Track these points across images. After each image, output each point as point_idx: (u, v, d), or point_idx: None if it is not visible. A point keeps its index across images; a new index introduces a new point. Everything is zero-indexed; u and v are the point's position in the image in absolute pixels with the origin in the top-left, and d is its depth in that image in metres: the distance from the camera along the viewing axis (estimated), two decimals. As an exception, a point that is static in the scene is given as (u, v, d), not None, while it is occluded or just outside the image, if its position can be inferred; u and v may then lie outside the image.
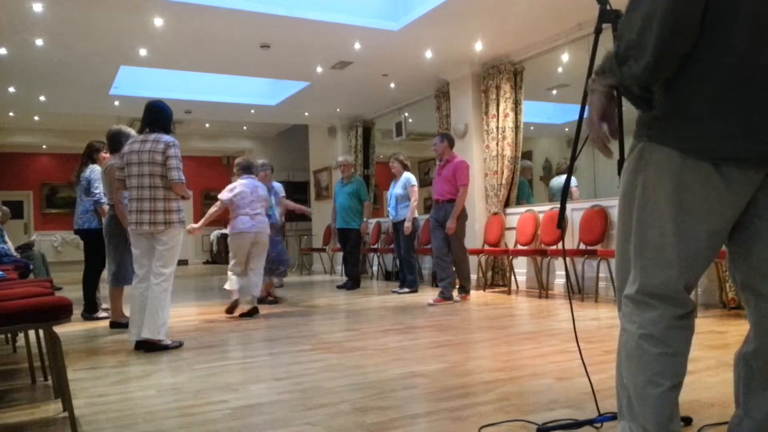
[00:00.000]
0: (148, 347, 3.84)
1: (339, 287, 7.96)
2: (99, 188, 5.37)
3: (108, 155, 5.19)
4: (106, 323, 5.06)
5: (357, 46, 6.88)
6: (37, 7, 5.53)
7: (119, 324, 4.82)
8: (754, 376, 1.54)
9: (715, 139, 1.42)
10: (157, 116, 4.09)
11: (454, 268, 6.15)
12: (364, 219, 7.87)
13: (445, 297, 5.99)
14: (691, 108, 1.44)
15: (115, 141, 4.95)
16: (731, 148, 1.41)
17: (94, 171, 5.47)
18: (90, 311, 5.51)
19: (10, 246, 7.47)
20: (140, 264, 4.02)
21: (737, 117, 1.40)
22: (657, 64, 1.40)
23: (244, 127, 13.79)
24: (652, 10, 1.37)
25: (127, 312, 4.64)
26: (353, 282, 7.89)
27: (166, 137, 4.00)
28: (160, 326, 3.86)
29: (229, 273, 5.53)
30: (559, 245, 6.27)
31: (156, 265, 3.92)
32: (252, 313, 5.40)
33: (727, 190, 1.43)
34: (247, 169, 5.74)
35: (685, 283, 1.50)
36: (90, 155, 5.61)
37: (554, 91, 9.41)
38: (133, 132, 4.88)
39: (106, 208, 5.23)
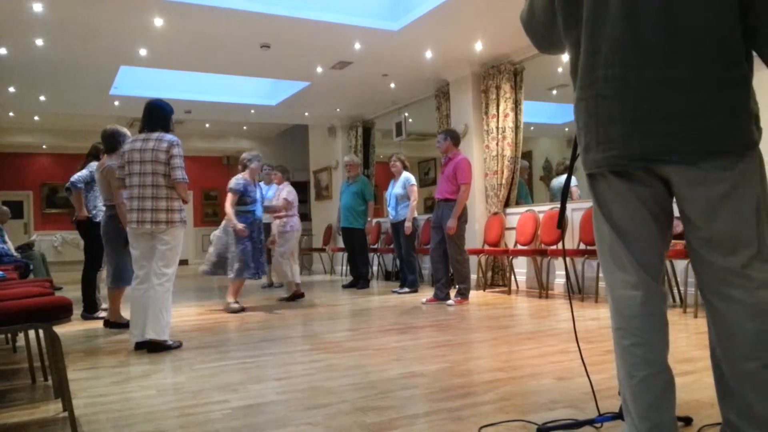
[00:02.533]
0: (152, 347, 3.83)
1: (345, 287, 7.97)
2: (78, 176, 5.46)
3: (105, 156, 5.20)
4: (106, 323, 5.07)
5: (357, 46, 6.87)
6: (37, 7, 5.53)
7: (116, 324, 4.82)
8: (723, 378, 1.55)
9: (591, 154, 1.56)
10: (157, 115, 4.07)
11: (451, 271, 6.12)
12: (368, 219, 7.87)
13: (438, 297, 6.02)
14: (578, 128, 1.61)
15: (113, 141, 4.94)
16: (603, 160, 1.53)
17: (90, 166, 5.54)
18: (90, 311, 5.52)
19: (10, 246, 7.48)
20: (140, 265, 4.00)
21: (599, 130, 1.52)
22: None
23: (244, 127, 13.78)
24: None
25: (124, 312, 4.63)
26: (365, 281, 7.93)
27: (169, 136, 3.98)
28: (165, 327, 3.86)
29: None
30: (559, 245, 6.27)
31: (158, 265, 3.90)
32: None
33: (633, 190, 1.54)
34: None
35: (644, 271, 1.57)
36: (96, 156, 5.65)
37: (554, 91, 9.41)
38: (128, 132, 4.90)
39: (91, 208, 5.33)
